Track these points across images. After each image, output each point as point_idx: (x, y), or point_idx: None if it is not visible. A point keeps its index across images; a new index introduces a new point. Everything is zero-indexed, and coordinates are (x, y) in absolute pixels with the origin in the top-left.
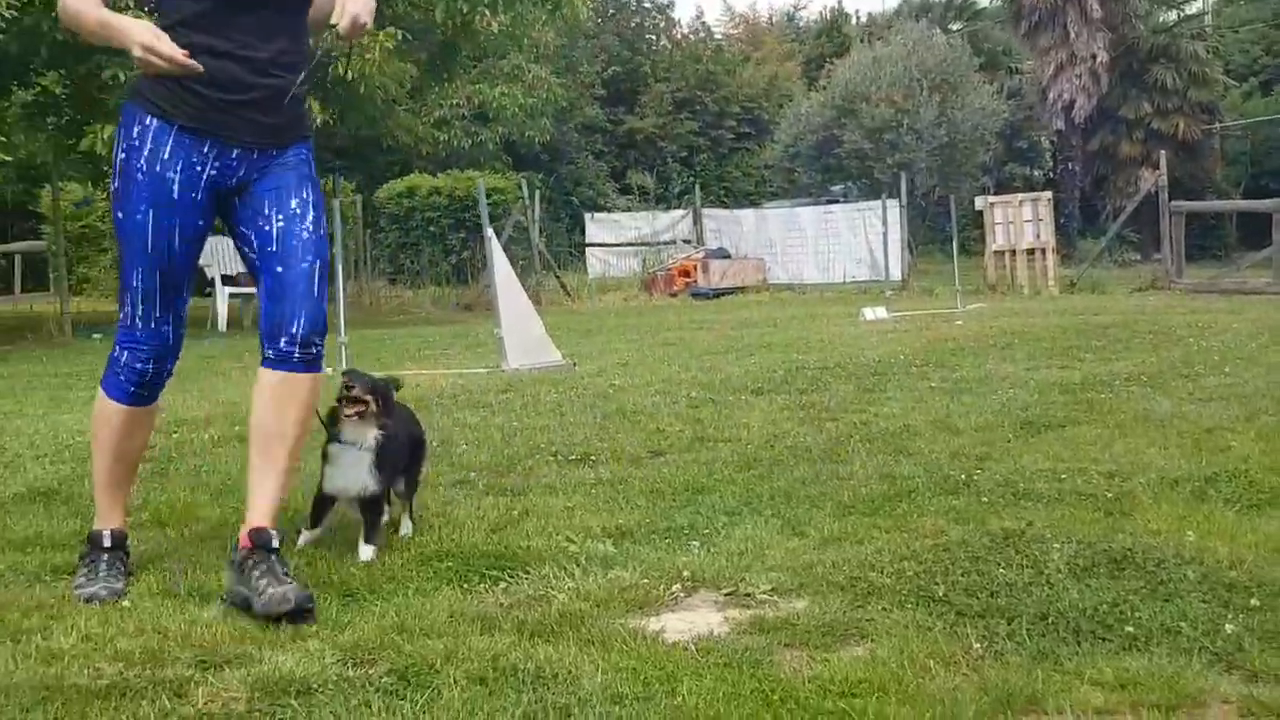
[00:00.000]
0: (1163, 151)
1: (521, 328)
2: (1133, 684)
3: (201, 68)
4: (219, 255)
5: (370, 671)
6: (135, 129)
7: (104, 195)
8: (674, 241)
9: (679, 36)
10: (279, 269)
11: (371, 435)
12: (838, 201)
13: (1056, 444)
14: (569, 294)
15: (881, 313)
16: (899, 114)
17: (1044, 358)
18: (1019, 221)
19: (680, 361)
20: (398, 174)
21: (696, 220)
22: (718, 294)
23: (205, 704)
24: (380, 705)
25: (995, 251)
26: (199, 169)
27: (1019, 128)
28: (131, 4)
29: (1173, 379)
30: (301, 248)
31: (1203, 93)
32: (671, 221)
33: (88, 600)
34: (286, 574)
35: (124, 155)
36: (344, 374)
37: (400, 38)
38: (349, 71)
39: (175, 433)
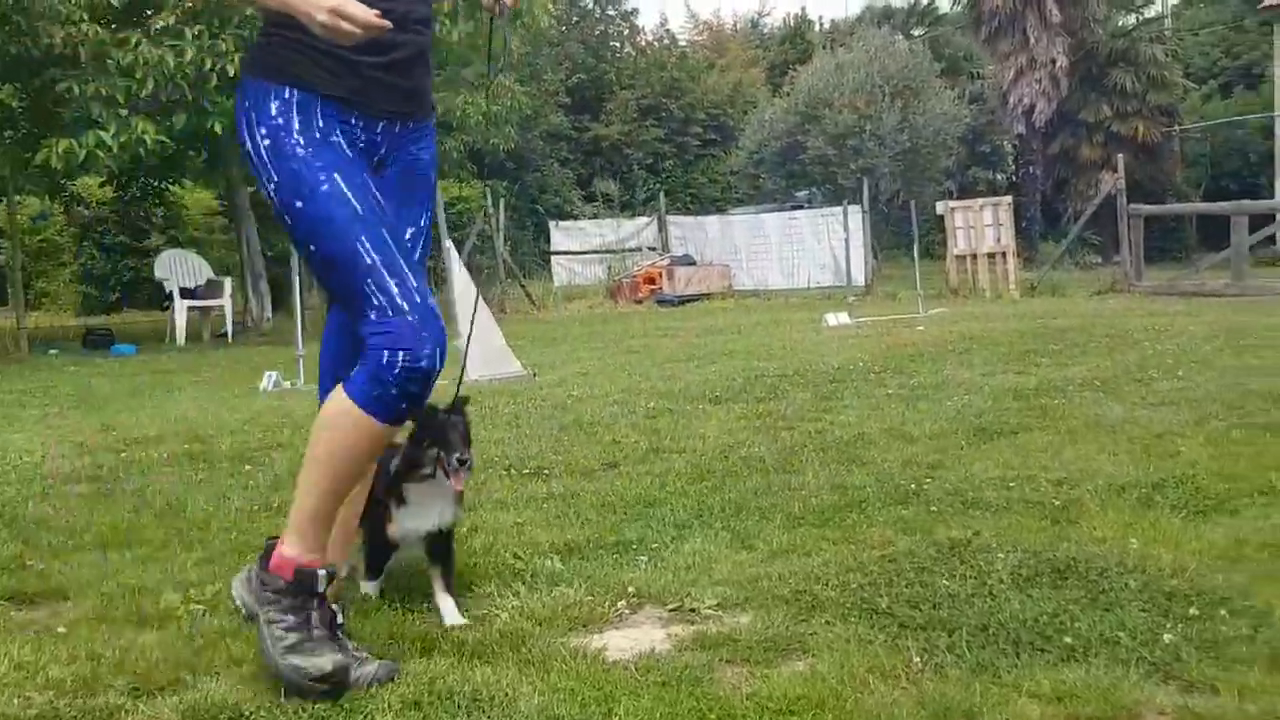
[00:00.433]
0: (1121, 155)
1: (481, 338)
2: (1069, 696)
3: (390, 24)
4: (176, 268)
5: (304, 698)
6: (273, 105)
7: (60, 209)
8: (639, 249)
9: (643, 43)
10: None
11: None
12: (802, 207)
13: (1008, 451)
14: (534, 303)
15: (844, 318)
16: (862, 120)
17: (1001, 363)
18: (979, 226)
19: (641, 370)
20: None
21: (661, 227)
22: (683, 301)
23: None
24: None
25: (957, 256)
26: (350, 138)
27: (981, 132)
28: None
29: (1126, 384)
30: (417, 269)
31: (1162, 96)
32: (636, 229)
33: (324, 679)
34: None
35: (269, 140)
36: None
37: None
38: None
39: (124, 451)
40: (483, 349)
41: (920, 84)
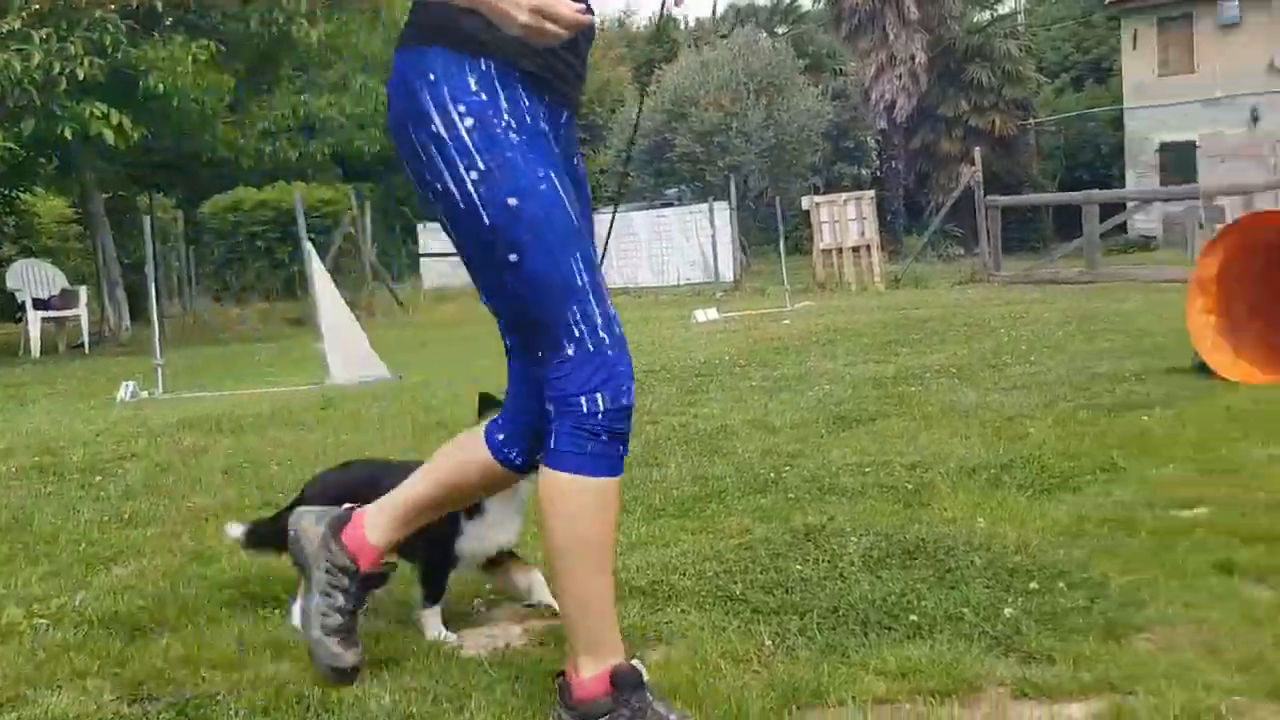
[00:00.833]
0: (978, 148)
1: (345, 341)
2: (914, 672)
3: (591, 18)
4: (29, 279)
5: (149, 708)
6: (471, 79)
7: None
8: None
9: None
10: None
11: None
12: (671, 205)
13: (865, 438)
14: (402, 305)
15: (712, 314)
16: (728, 117)
17: (862, 353)
18: (844, 220)
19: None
20: (223, 188)
21: None
22: None
23: None
24: None
25: (822, 250)
26: (549, 127)
27: (845, 128)
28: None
29: (981, 370)
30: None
31: (1017, 90)
32: None
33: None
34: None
35: (472, 119)
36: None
37: (215, 49)
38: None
39: None
40: (346, 352)
41: (784, 81)
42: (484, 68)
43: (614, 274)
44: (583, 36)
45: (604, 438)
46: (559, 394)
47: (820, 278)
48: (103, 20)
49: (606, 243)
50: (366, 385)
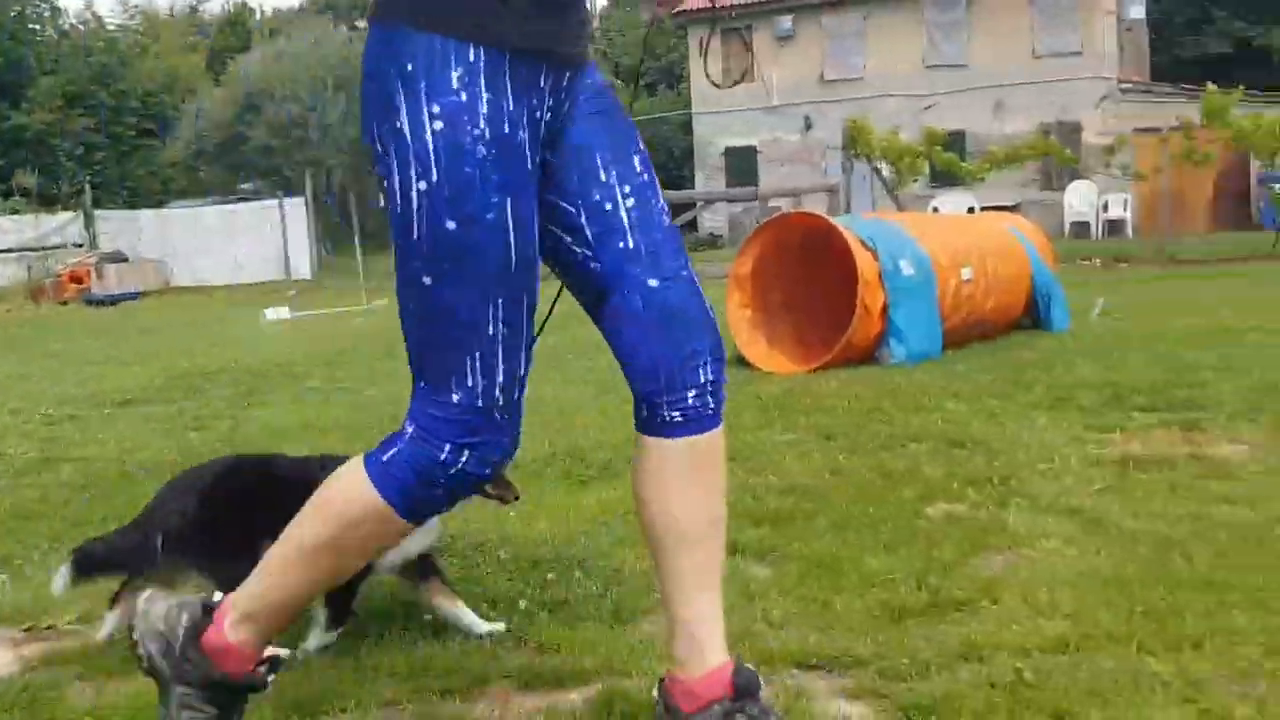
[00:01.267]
0: None
1: None
2: (423, 672)
3: None
4: None
5: None
6: (454, 74)
7: None
8: (64, 245)
9: (67, 26)
10: (650, 280)
11: None
12: (246, 200)
13: None
14: None
15: (284, 313)
16: (305, 111)
17: None
18: None
19: (55, 375)
20: None
21: (89, 222)
22: (115, 300)
23: None
24: None
25: None
26: (538, 116)
27: None
28: None
29: (547, 367)
30: (671, 241)
31: None
32: (60, 224)
33: None
34: None
35: (442, 124)
36: None
37: None
38: None
39: None
40: None
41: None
42: (472, 59)
43: (184, 271)
44: None
45: (440, 493)
46: (426, 426)
47: None
48: None
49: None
50: None
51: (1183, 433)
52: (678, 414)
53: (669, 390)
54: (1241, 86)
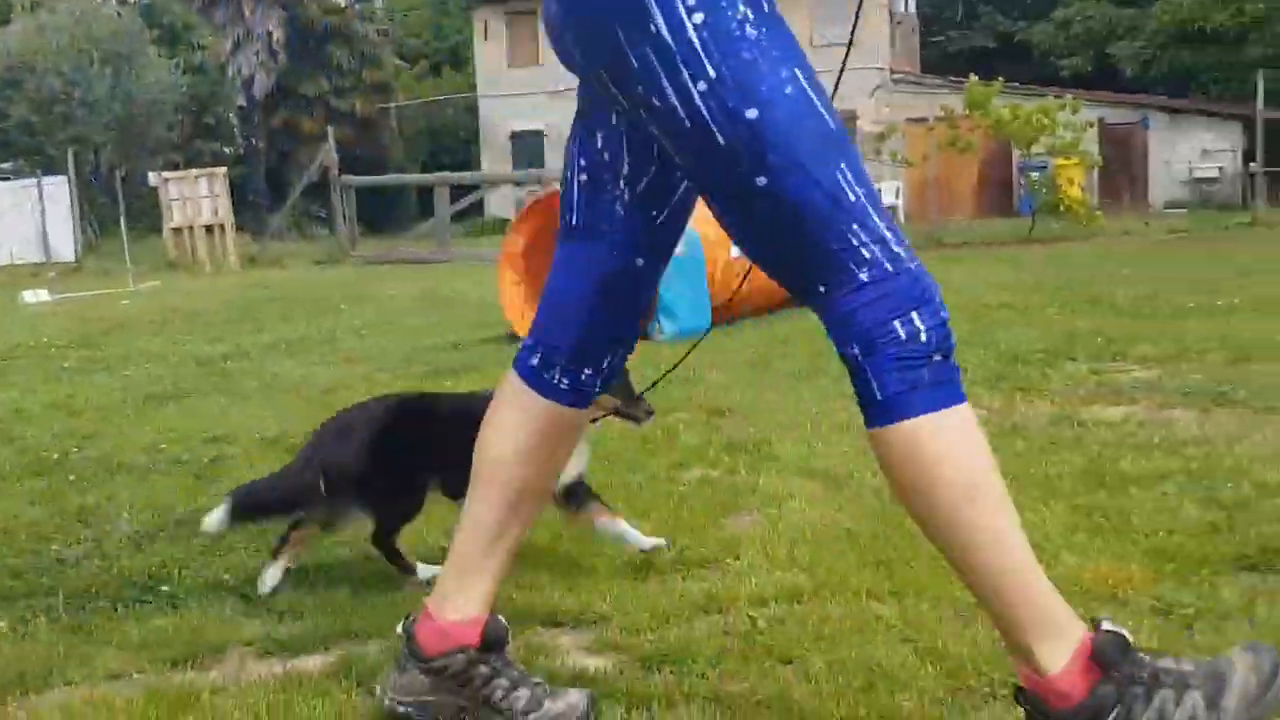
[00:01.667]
0: (331, 128)
1: None
2: (156, 642)
3: None
4: None
5: None
6: None
7: None
8: None
9: None
10: (639, 260)
11: None
12: (5, 179)
13: (174, 416)
14: None
15: (44, 295)
16: (69, 86)
17: (198, 332)
18: (195, 197)
19: None
20: None
21: None
22: None
23: None
24: None
25: (174, 229)
26: None
27: (206, 103)
28: None
29: (314, 345)
30: (681, 233)
31: (377, 73)
32: None
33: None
34: None
35: (701, 13)
36: None
37: None
38: None
39: None
40: None
41: (132, 51)
42: None
43: None
44: None
45: (937, 358)
46: (865, 327)
47: (173, 257)
48: None
49: None
50: None
51: None
52: (566, 382)
53: (573, 360)
54: (1002, 79)
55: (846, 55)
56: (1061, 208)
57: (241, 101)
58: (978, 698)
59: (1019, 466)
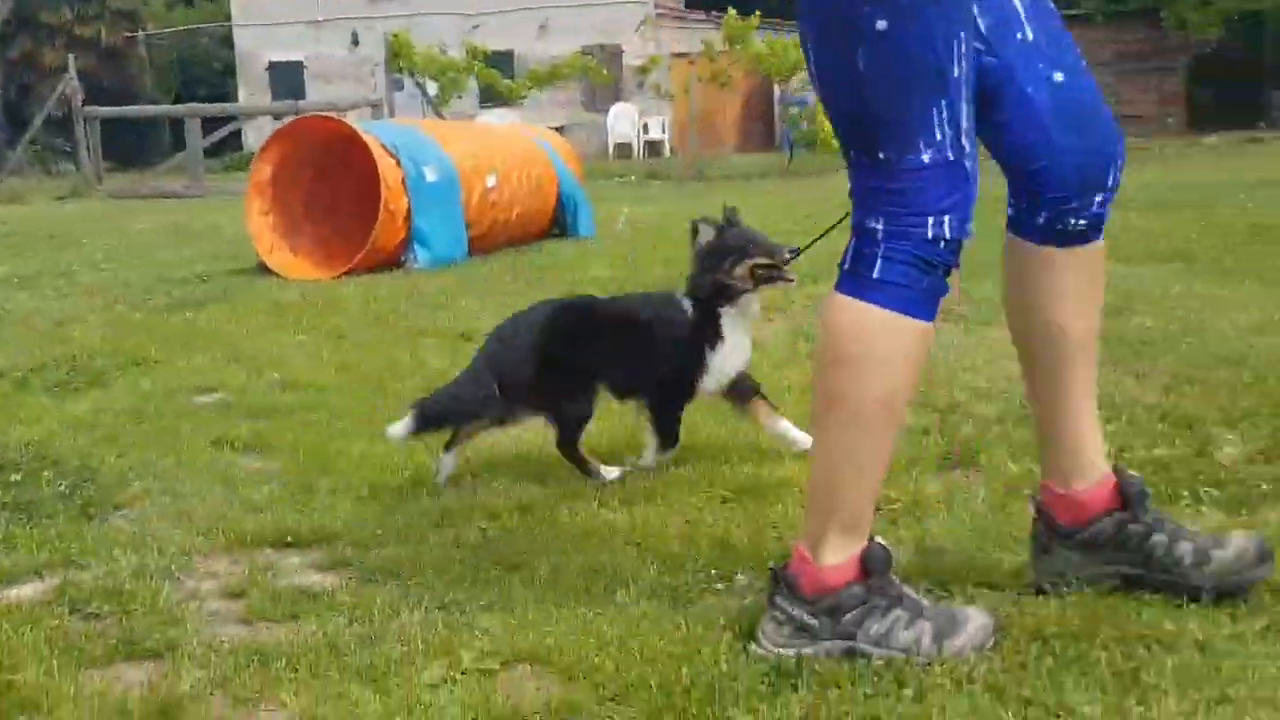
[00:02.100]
0: (73, 56)
1: None
2: None
3: None
4: None
5: None
6: None
7: None
8: None
9: None
10: (1056, 74)
11: None
12: None
13: None
14: None
15: None
16: None
17: None
18: None
19: None
20: None
21: None
22: None
23: None
24: None
25: None
26: None
27: None
28: None
29: (50, 279)
30: (1067, 33)
31: (123, 0)
32: None
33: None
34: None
35: None
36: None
37: None
38: None
39: None
40: None
41: None
42: None
43: None
44: None
45: (941, 272)
46: (898, 209)
47: None
48: None
49: None
50: None
51: None
52: (1083, 222)
53: (1080, 195)
54: (759, 12)
55: None
56: (819, 141)
57: None
58: (694, 591)
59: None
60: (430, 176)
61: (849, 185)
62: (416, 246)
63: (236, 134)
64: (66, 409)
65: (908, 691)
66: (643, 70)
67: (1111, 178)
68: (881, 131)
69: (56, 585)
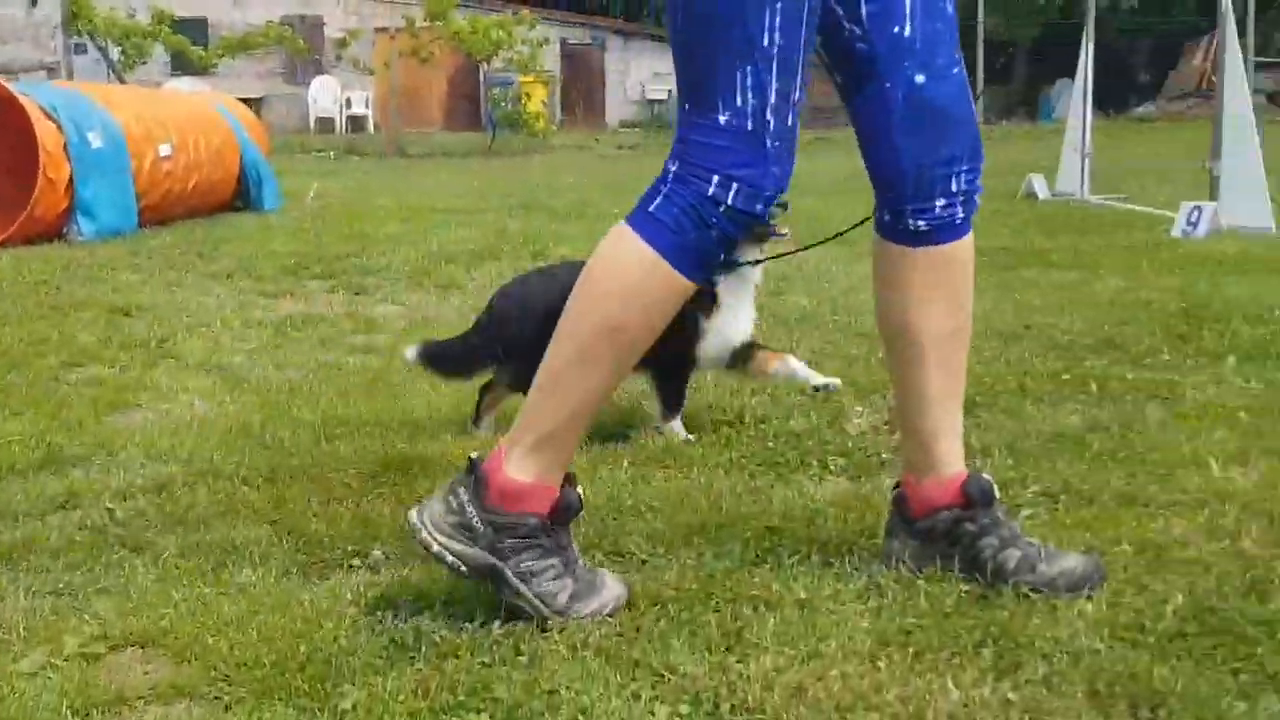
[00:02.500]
0: None
1: None
2: None
3: None
4: None
5: None
6: None
7: None
8: None
9: None
10: (919, 76)
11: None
12: None
13: None
14: None
15: None
16: None
17: None
18: None
19: None
20: None
21: None
22: None
23: None
24: None
25: None
26: None
27: None
28: None
29: None
30: (950, 32)
31: None
32: None
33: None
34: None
35: None
36: None
37: None
38: None
39: None
40: None
41: None
42: None
43: None
44: None
45: (713, 234)
46: (689, 160)
47: None
48: None
49: None
50: None
51: (348, 296)
52: (923, 223)
53: (917, 197)
54: None
55: None
56: (522, 122)
57: None
58: (327, 567)
59: None
60: (95, 143)
61: None
62: (80, 217)
63: None
64: None
65: (522, 659)
66: (341, 44)
67: (955, 185)
68: (690, 85)
69: None
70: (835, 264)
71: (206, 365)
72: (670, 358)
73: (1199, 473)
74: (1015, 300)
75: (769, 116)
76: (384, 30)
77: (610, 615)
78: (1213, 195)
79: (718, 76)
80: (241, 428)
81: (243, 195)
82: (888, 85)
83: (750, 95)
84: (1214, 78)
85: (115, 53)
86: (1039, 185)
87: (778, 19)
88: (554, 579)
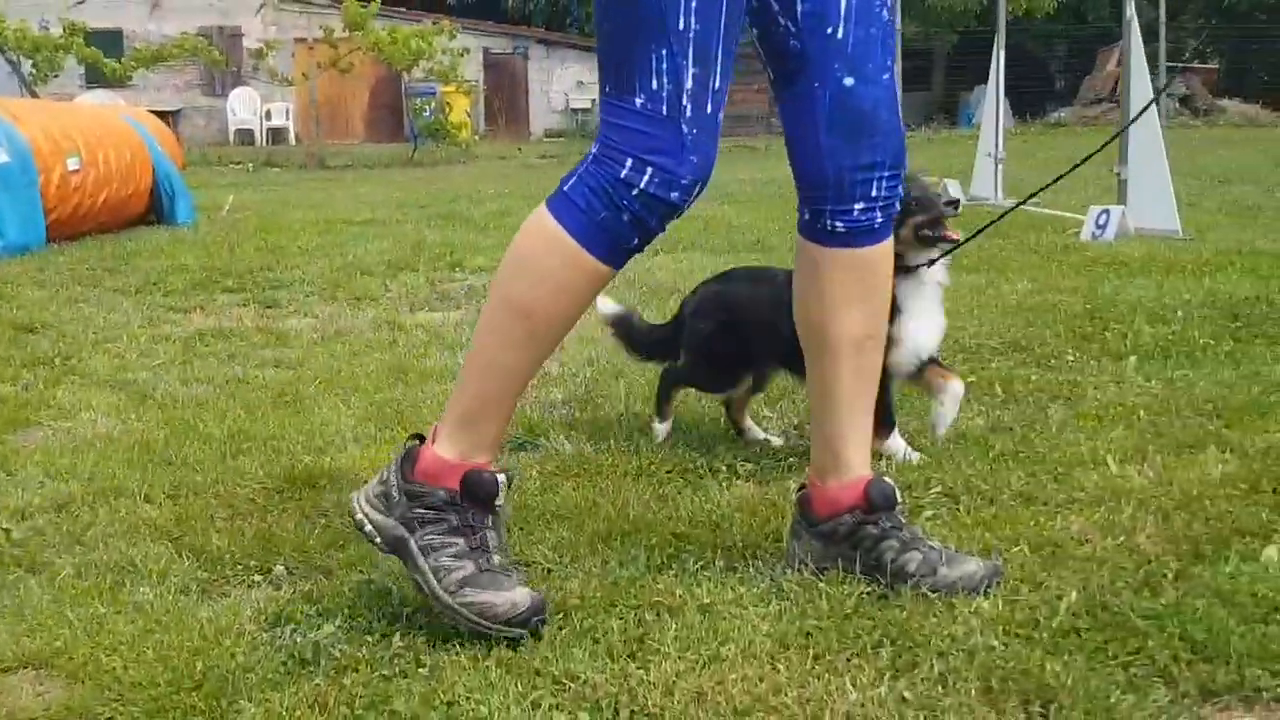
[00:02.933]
0: None
1: None
2: None
3: None
4: None
5: None
6: None
7: None
8: None
9: None
10: (847, 79)
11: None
12: None
13: None
14: None
15: None
16: None
17: None
18: None
19: None
20: None
21: None
22: None
23: None
24: None
25: None
26: None
27: None
28: None
29: None
30: (883, 38)
31: None
32: None
33: (519, 618)
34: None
35: None
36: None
37: None
38: None
39: None
40: None
41: None
42: None
43: None
44: None
45: (626, 219)
46: (607, 139)
47: None
48: None
49: None
50: None
51: (260, 309)
52: (840, 225)
53: (838, 199)
54: (380, 1)
55: None
56: (444, 132)
57: None
58: (228, 584)
59: (332, 368)
60: (1, 158)
61: None
62: None
63: None
64: None
65: (423, 671)
66: (259, 55)
67: (876, 190)
68: (610, 67)
69: None
70: None
71: (112, 382)
72: None
73: (1097, 471)
74: None
75: (685, 102)
76: (303, 41)
77: (506, 624)
78: (1121, 199)
79: (634, 59)
80: (145, 445)
81: (156, 209)
82: (816, 85)
83: (666, 79)
84: None
85: (27, 66)
86: (954, 190)
87: (694, 3)
88: (453, 557)
